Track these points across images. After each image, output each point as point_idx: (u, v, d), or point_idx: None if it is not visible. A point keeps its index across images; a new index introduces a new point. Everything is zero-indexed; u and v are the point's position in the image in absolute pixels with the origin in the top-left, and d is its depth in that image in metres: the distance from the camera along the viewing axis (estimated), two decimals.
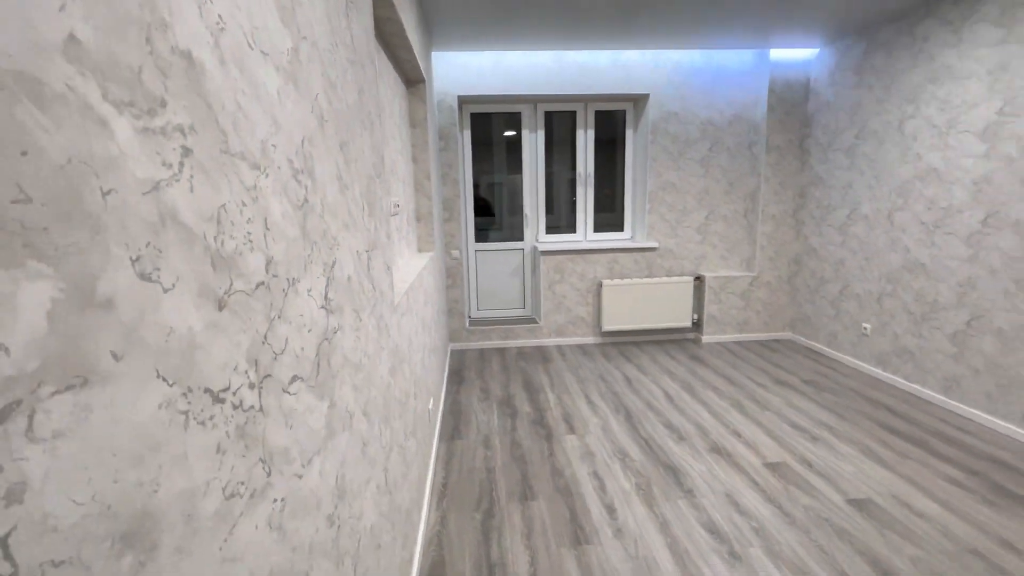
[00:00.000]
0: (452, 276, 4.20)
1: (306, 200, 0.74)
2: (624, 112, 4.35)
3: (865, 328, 3.52)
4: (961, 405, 2.85)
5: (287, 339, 0.63)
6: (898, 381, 3.26)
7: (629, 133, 4.38)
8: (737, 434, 2.68)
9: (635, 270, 4.33)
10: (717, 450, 2.52)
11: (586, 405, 3.10)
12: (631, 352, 4.12)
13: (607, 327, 4.27)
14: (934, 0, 2.92)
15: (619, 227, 4.56)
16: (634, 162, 4.41)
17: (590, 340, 4.39)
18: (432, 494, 2.20)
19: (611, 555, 1.81)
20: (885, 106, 3.29)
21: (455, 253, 4.17)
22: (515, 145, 4.38)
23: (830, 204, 3.83)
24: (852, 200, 3.61)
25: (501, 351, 4.24)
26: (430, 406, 2.41)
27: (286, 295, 0.64)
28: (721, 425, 2.78)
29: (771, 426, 2.76)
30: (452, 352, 4.26)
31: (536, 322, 4.40)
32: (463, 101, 4.14)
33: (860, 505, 2.05)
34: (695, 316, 4.39)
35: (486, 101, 4.17)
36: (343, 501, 0.87)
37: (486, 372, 3.74)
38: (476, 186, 4.46)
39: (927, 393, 3.05)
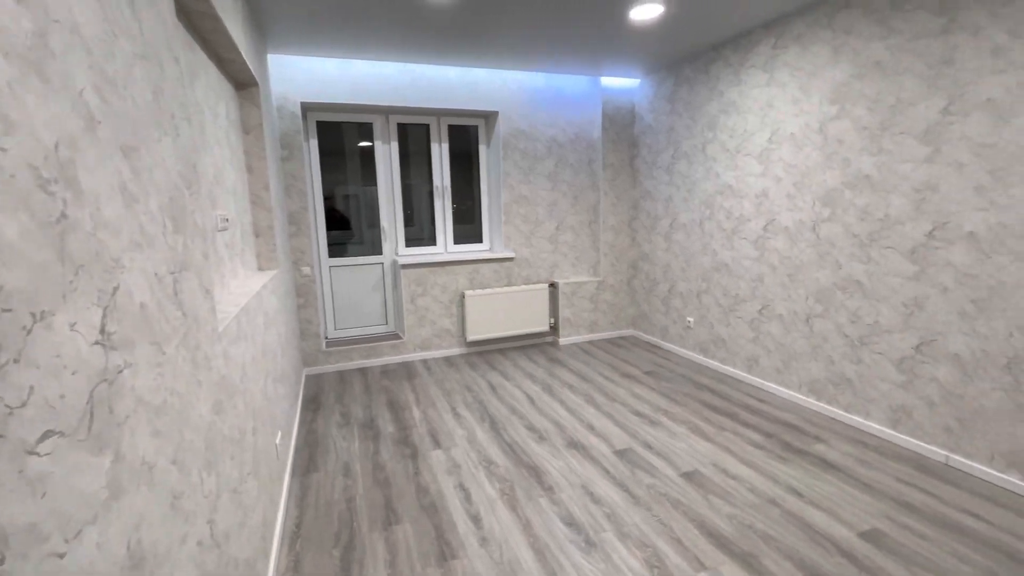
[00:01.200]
0: (304, 295, 3.90)
1: (64, 215, 0.61)
2: (476, 127, 4.48)
3: (689, 321, 4.08)
4: (760, 380, 3.44)
5: (32, 388, 0.51)
6: (715, 364, 3.83)
7: (482, 148, 4.52)
8: (591, 427, 2.89)
9: (495, 279, 4.46)
10: (574, 445, 2.69)
11: (452, 417, 3.09)
12: (496, 359, 4.23)
13: (472, 337, 4.32)
14: (720, 46, 3.53)
15: (479, 238, 4.67)
16: (488, 176, 4.56)
17: (456, 351, 4.40)
18: (283, 537, 1.99)
19: (477, 565, 1.81)
20: (692, 131, 3.87)
21: (306, 270, 3.87)
22: (371, 156, 4.24)
23: (656, 215, 4.37)
24: (672, 211, 4.17)
25: (363, 371, 4.03)
26: (278, 440, 2.18)
27: (29, 333, 0.52)
28: (577, 420, 2.98)
29: (619, 416, 3.03)
30: (307, 377, 3.93)
31: (400, 337, 4.28)
32: (307, 108, 3.89)
33: (689, 477, 2.35)
34: (552, 320, 4.66)
35: (333, 109, 3.97)
36: (141, 571, 0.73)
37: (347, 395, 3.52)
38: (330, 198, 4.21)
39: (736, 372, 3.63)
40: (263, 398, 1.94)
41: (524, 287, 4.44)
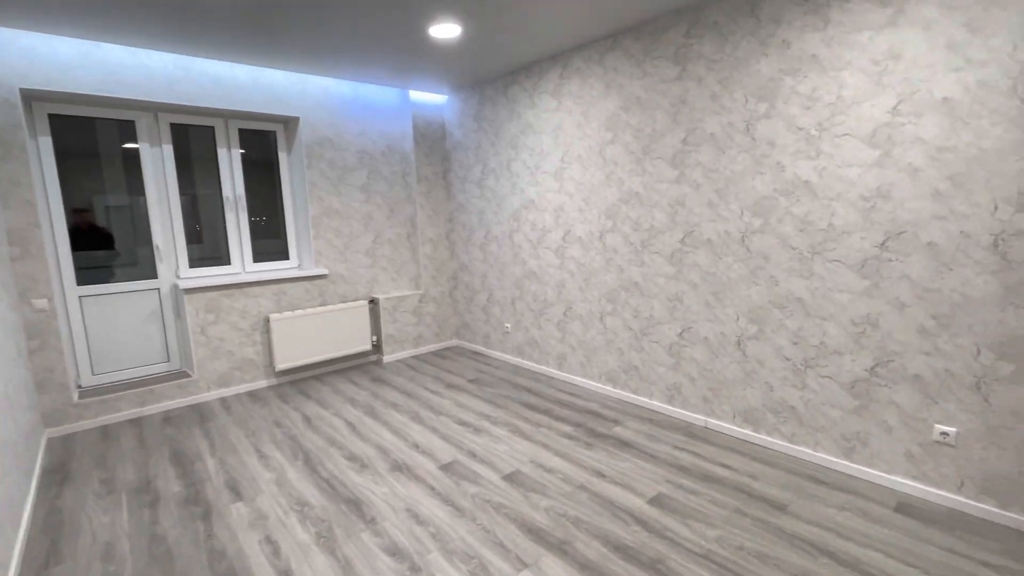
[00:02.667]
0: (38, 335, 3.02)
1: None
2: (275, 133, 4.06)
3: (507, 327, 4.31)
4: (568, 375, 3.80)
5: None
6: (532, 365, 4.11)
7: (283, 156, 4.12)
8: (416, 445, 2.83)
9: (307, 299, 4.10)
10: (398, 467, 2.59)
11: (257, 461, 2.71)
12: (312, 387, 3.87)
13: (282, 365, 3.88)
14: (517, 71, 3.82)
15: (286, 255, 4.23)
16: (292, 186, 4.17)
17: (263, 384, 3.90)
18: None
19: None
20: (497, 149, 4.11)
21: (40, 303, 3.01)
22: (138, 160, 3.50)
23: (472, 227, 4.53)
24: (486, 224, 4.36)
25: (137, 422, 3.30)
26: None
27: None
28: (402, 441, 2.89)
29: (444, 429, 3.03)
30: (50, 441, 3.05)
31: (188, 375, 3.61)
32: (32, 97, 3.05)
33: (511, 478, 2.46)
34: (375, 338, 4.47)
35: (75, 101, 3.19)
36: None
37: (111, 455, 2.83)
38: (85, 210, 3.36)
39: (549, 370, 3.95)
40: None
41: (341, 305, 4.17)
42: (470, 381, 3.89)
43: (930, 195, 2.04)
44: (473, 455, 2.70)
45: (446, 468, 2.57)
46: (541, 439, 2.87)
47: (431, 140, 4.59)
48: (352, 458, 2.70)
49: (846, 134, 2.23)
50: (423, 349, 4.73)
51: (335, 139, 4.12)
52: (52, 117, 3.18)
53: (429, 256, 4.69)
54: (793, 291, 2.49)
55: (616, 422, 3.07)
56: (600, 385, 3.58)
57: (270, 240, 4.18)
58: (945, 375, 2.08)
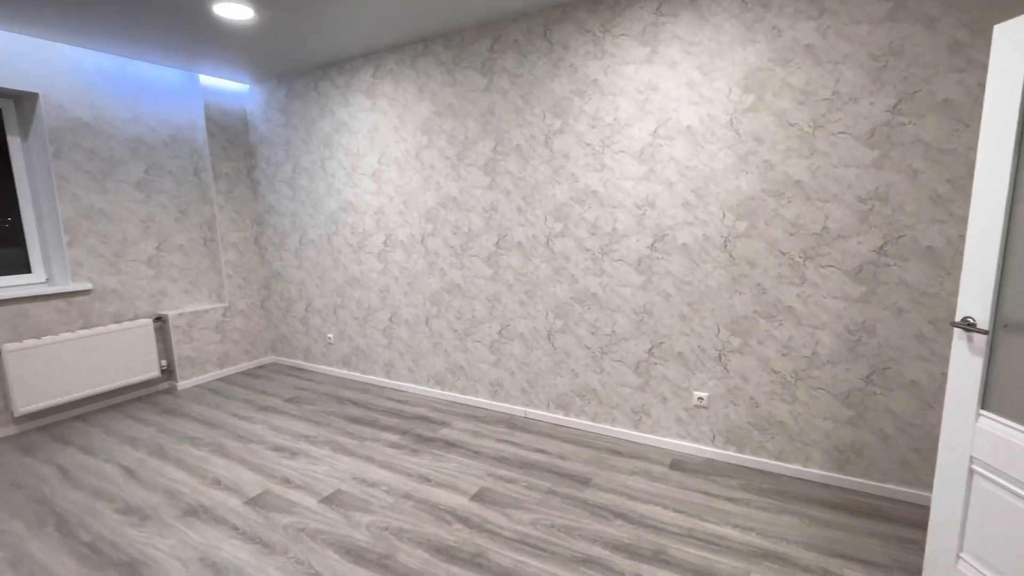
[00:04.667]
0: None
1: None
2: (0, 111, 3.16)
3: (330, 338, 4.04)
4: (397, 382, 3.73)
5: None
6: (358, 376, 3.93)
7: (15, 141, 3.23)
8: (216, 482, 2.48)
9: (62, 323, 3.28)
10: (192, 512, 2.23)
11: None
12: (73, 431, 3.11)
13: (25, 408, 3.05)
14: (327, 67, 3.60)
15: (26, 267, 3.32)
16: (32, 182, 3.30)
17: None
18: None
19: None
20: (310, 147, 3.82)
21: None
22: None
23: (284, 230, 4.14)
24: (300, 227, 4.03)
25: None
26: None
27: None
28: (198, 479, 2.50)
29: (254, 458, 2.71)
30: None
31: None
32: None
33: (330, 499, 2.31)
34: (164, 362, 3.79)
35: None
36: None
37: None
38: None
39: (377, 379, 3.83)
40: None
41: (114, 327, 3.44)
42: (287, 400, 3.55)
43: (682, 204, 2.48)
44: (287, 481, 2.47)
45: (254, 502, 2.30)
46: (365, 453, 2.75)
47: (230, 132, 4.06)
48: (128, 511, 2.25)
49: (622, 151, 2.60)
50: (230, 370, 4.17)
51: (95, 124, 3.38)
52: None
53: (233, 264, 4.15)
54: (589, 287, 2.81)
55: (444, 424, 3.10)
56: (428, 389, 3.58)
57: (7, 249, 3.25)
58: (699, 351, 2.56)
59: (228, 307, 4.11)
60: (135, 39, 3.08)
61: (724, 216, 2.38)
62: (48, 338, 3.16)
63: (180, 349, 3.81)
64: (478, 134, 3.04)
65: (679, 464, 2.57)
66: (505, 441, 2.86)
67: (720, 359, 2.50)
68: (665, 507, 2.20)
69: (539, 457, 2.66)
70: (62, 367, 3.20)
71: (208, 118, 3.90)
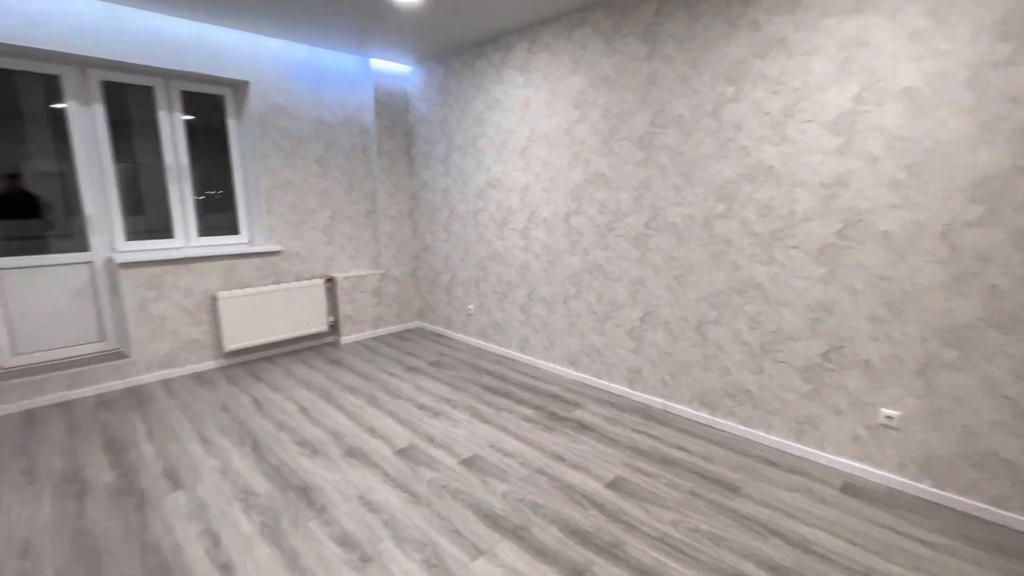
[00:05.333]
0: None
1: None
2: (223, 97, 3.78)
3: (470, 309, 4.22)
4: (531, 358, 3.77)
5: None
6: (494, 348, 4.05)
7: (232, 123, 3.84)
8: (372, 430, 2.74)
9: (258, 277, 3.88)
10: (352, 453, 2.50)
11: (200, 447, 2.56)
12: (263, 370, 3.69)
13: (231, 346, 3.68)
14: (484, 43, 3.67)
15: (235, 230, 3.98)
16: (243, 157, 3.91)
17: (209, 365, 3.70)
18: None
19: None
20: (463, 125, 3.97)
21: None
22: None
23: (435, 205, 4.39)
24: (450, 202, 4.23)
25: (66, 406, 3.06)
26: None
27: None
28: (357, 425, 2.79)
29: (402, 413, 2.95)
30: None
31: (125, 356, 3.37)
32: None
33: (469, 463, 2.41)
34: (331, 319, 4.30)
35: None
36: None
37: (35, 443, 2.61)
38: (15, 176, 3.06)
39: (512, 353, 3.91)
40: None
41: (295, 284, 3.98)
42: (431, 364, 3.80)
43: (888, 184, 2.06)
44: (431, 439, 2.63)
45: (402, 453, 2.49)
46: (501, 423, 2.82)
47: (393, 112, 4.39)
48: (303, 443, 2.59)
49: (809, 120, 2.23)
50: (383, 331, 4.59)
51: (289, 107, 3.88)
52: None
53: (390, 235, 4.53)
54: (754, 276, 2.50)
55: (577, 405, 3.06)
56: (562, 368, 3.56)
57: (220, 214, 3.92)
58: (893, 361, 2.13)
59: (384, 274, 4.51)
60: (320, 29, 3.44)
61: (949, 199, 1.92)
62: (249, 289, 3.76)
63: (344, 308, 4.29)
64: (635, 106, 2.86)
65: (853, 488, 2.20)
66: (642, 432, 2.72)
67: (923, 374, 2.06)
68: (835, 535, 1.90)
69: (680, 455, 2.48)
70: (257, 314, 3.79)
71: (376, 100, 4.25)
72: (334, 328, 4.35)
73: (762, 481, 2.25)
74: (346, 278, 4.26)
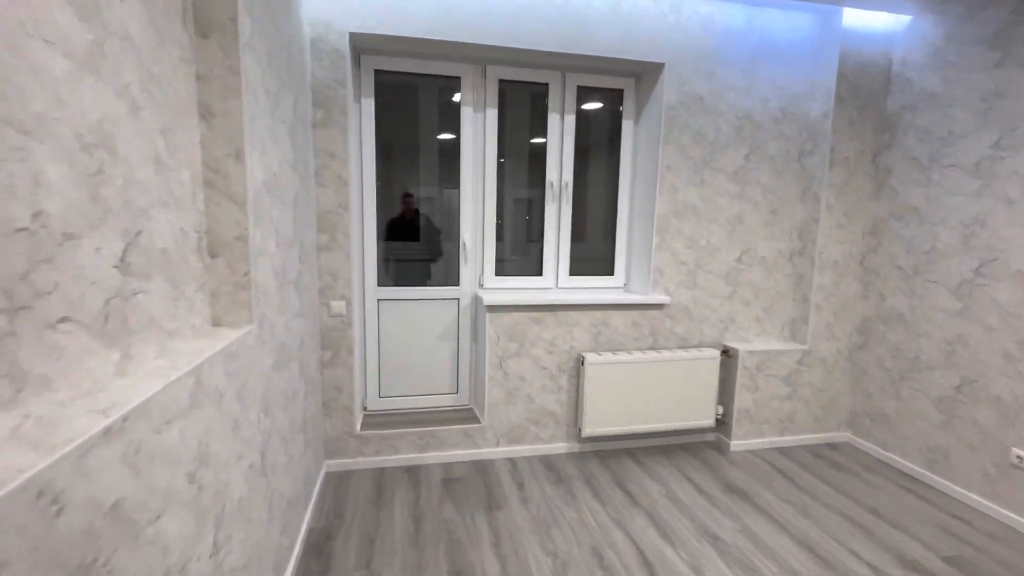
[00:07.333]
0: (331, 345, 2.41)
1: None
2: (621, 92, 2.82)
3: (1020, 456, 2.14)
4: None
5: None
6: None
7: (627, 125, 2.85)
8: None
9: (633, 338, 2.77)
10: None
11: None
12: (628, 472, 2.53)
13: (590, 430, 2.65)
14: None
15: (605, 270, 2.99)
16: (634, 170, 2.88)
17: (560, 448, 2.75)
18: None
19: None
20: None
21: (337, 306, 2.39)
22: (450, 125, 2.71)
23: (935, 250, 2.48)
24: (983, 244, 2.27)
25: (414, 473, 2.48)
26: None
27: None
28: None
29: None
30: (327, 478, 2.43)
31: (477, 421, 2.68)
32: (361, 47, 2.43)
33: None
34: (720, 410, 2.88)
35: (402, 49, 2.47)
36: None
37: (380, 534, 1.95)
38: (409, 195, 2.76)
39: None
40: None
41: (681, 354, 2.71)
42: (945, 560, 1.93)
43: None
44: None
45: None
46: None
47: (863, 96, 2.71)
48: None
49: None
50: (791, 439, 2.92)
51: (708, 98, 2.66)
52: (377, 74, 2.54)
53: (826, 290, 2.84)
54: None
55: None
56: None
57: (578, 245, 2.99)
58: None
59: (807, 352, 2.85)
60: None
61: None
62: (621, 354, 2.67)
63: (741, 397, 2.81)
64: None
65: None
66: None
67: None
68: None
69: None
70: (627, 390, 2.66)
71: (841, 76, 2.65)
72: (721, 424, 2.92)
73: None
74: (751, 352, 2.78)
